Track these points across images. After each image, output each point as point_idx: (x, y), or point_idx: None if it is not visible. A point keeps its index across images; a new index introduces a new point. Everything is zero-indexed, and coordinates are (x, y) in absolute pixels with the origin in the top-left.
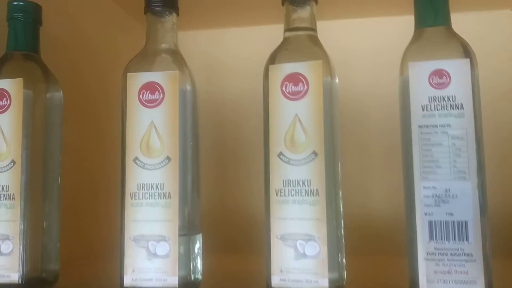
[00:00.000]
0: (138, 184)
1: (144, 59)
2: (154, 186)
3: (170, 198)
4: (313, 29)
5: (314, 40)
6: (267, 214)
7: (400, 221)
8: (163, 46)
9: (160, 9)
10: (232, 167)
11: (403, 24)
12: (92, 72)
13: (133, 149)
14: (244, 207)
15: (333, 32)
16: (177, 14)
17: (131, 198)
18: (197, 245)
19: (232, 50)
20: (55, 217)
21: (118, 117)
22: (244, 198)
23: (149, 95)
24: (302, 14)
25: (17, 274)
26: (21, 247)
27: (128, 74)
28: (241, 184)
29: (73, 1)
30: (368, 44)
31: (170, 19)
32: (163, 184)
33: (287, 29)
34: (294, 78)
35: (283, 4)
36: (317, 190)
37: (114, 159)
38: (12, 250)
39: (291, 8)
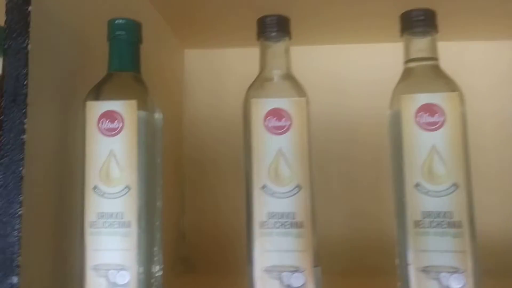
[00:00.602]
0: (268, 213)
1: (264, 84)
2: (285, 215)
3: (303, 227)
4: (436, 59)
5: (440, 70)
6: (403, 245)
7: None
8: (279, 71)
9: (275, 34)
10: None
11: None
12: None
13: (262, 177)
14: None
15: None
16: (290, 38)
17: (260, 228)
18: (320, 275)
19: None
20: (160, 243)
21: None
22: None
23: (275, 121)
24: (424, 44)
25: None
26: (138, 278)
27: (252, 100)
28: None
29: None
30: None
31: (284, 44)
32: (294, 213)
33: (409, 60)
34: (429, 109)
35: (402, 35)
36: (460, 222)
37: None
38: (128, 281)
39: (411, 39)
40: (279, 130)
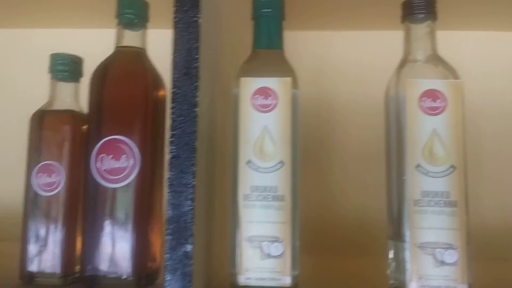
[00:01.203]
0: (422, 192)
1: (415, 66)
2: (439, 194)
3: (457, 206)
4: None
5: None
6: None
7: None
8: (428, 53)
9: (423, 16)
10: None
11: None
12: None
13: (415, 155)
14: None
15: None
16: (436, 19)
17: (414, 205)
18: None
19: None
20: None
21: None
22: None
23: (431, 102)
24: None
25: (289, 277)
26: (292, 250)
27: (409, 80)
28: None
29: None
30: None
31: (431, 25)
32: (448, 192)
33: None
34: None
35: None
36: None
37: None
38: (283, 252)
39: None
40: (434, 111)
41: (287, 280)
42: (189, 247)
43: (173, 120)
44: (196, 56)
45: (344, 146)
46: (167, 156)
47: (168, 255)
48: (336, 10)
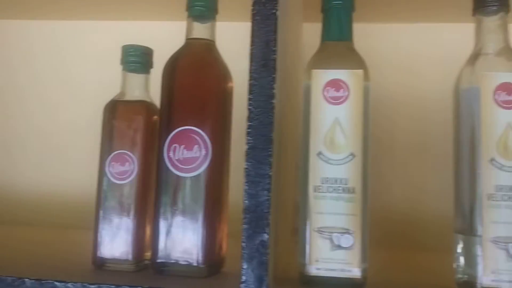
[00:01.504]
0: (496, 186)
1: (488, 58)
2: (509, 188)
3: None
4: None
5: None
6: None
7: None
8: (499, 46)
9: (495, 8)
10: None
11: None
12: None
13: (490, 149)
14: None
15: None
16: (509, 11)
17: (488, 200)
18: None
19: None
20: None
21: None
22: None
23: (506, 95)
24: None
25: (358, 269)
26: (362, 242)
27: (483, 73)
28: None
29: None
30: None
31: (504, 17)
32: None
33: None
34: None
35: None
36: None
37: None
38: (353, 244)
39: None
40: (509, 104)
41: (357, 272)
42: (265, 236)
43: (250, 111)
44: (274, 48)
45: (393, 138)
46: (231, 147)
47: (244, 244)
48: (391, 2)
